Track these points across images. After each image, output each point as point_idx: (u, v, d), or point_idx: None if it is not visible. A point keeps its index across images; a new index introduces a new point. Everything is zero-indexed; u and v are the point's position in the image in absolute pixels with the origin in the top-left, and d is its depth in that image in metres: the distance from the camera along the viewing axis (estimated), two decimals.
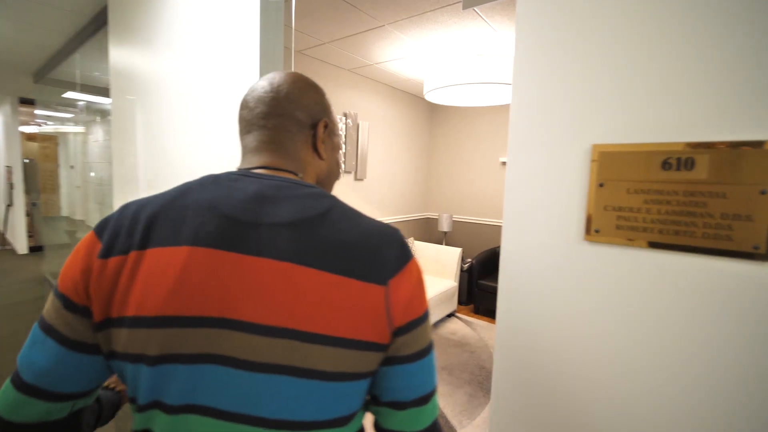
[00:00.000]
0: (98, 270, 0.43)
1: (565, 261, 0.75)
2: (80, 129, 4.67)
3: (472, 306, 4.09)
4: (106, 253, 0.43)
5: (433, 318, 3.55)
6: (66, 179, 5.54)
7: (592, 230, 0.72)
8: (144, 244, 0.43)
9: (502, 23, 2.44)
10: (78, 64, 3.15)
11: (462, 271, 3.90)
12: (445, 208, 4.84)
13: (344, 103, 3.61)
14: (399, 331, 0.45)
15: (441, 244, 4.56)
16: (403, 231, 4.59)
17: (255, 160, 0.53)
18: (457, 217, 4.71)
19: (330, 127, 0.59)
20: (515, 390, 0.83)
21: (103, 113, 3.53)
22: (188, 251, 0.42)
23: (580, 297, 0.74)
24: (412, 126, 4.55)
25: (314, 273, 0.42)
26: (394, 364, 0.46)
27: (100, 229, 0.46)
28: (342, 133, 3.52)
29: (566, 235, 0.75)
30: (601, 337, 0.72)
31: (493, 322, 3.78)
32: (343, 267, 0.43)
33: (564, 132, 0.74)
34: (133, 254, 0.42)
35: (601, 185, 0.70)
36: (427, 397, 0.48)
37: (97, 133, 4.06)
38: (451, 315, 3.88)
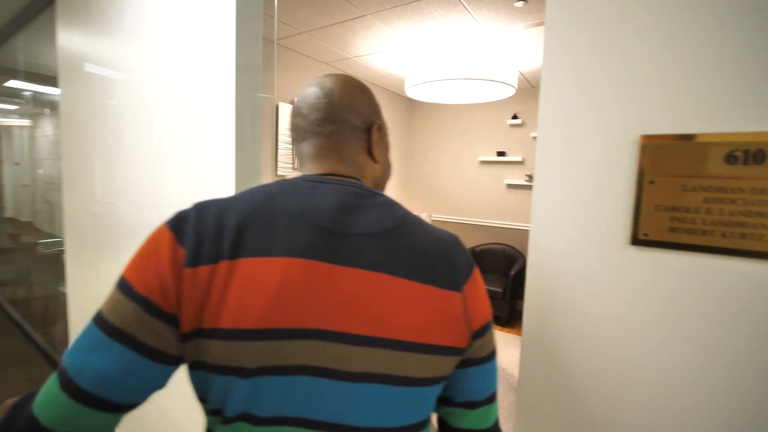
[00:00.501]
0: (189, 279, 0.40)
1: (607, 269, 0.66)
2: (26, 122, 4.23)
3: None
4: (194, 261, 0.41)
5: None
6: (10, 177, 5.03)
7: (639, 234, 0.63)
8: (235, 254, 0.41)
9: (489, 18, 2.37)
10: (21, 49, 2.81)
11: None
12: (423, 208, 4.77)
13: None
14: (476, 335, 0.48)
15: None
16: None
17: (318, 167, 0.53)
18: (436, 217, 4.65)
19: (382, 129, 0.58)
20: (543, 414, 0.73)
21: (53, 105, 3.19)
22: (285, 263, 0.41)
23: (625, 311, 0.65)
24: (390, 123, 4.45)
25: (403, 283, 0.43)
26: (471, 366, 0.49)
27: (178, 230, 0.43)
28: None
29: (608, 240, 0.66)
30: (649, 358, 0.63)
31: None
32: (426, 276, 0.45)
33: (605, 120, 0.65)
34: (224, 264, 0.41)
35: (651, 182, 0.61)
36: (494, 396, 0.52)
37: (46, 127, 3.68)
38: None
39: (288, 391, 0.40)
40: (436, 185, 4.66)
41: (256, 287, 0.40)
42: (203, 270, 0.40)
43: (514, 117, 4.03)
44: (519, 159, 4.03)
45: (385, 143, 0.59)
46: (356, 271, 0.42)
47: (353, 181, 0.51)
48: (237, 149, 1.11)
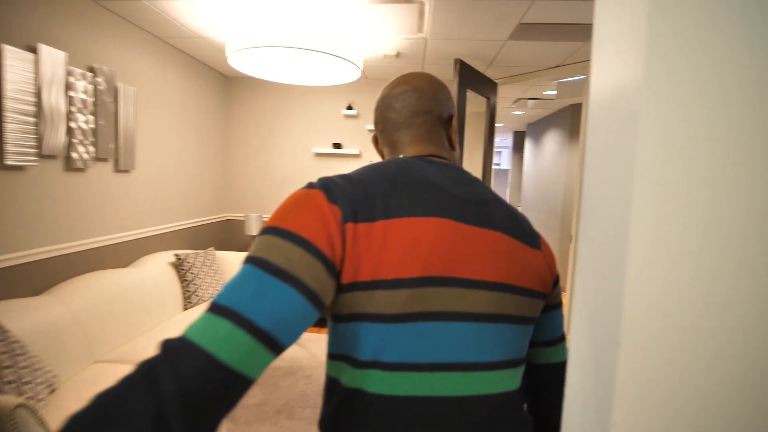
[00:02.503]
0: (351, 233, 0.48)
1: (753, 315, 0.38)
2: None
3: None
4: (354, 219, 0.49)
5: None
6: None
7: None
8: (388, 215, 0.50)
9: None
10: None
11: None
12: (252, 207, 4.04)
13: (89, 52, 2.33)
14: (555, 284, 0.63)
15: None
16: (196, 239, 3.54)
17: (418, 150, 0.64)
18: (267, 217, 4.01)
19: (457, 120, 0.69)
20: None
21: None
22: (436, 222, 0.52)
23: None
24: (202, 102, 3.51)
25: (514, 241, 0.57)
26: (550, 311, 0.65)
27: (329, 194, 0.50)
28: (84, 96, 2.27)
29: (753, 269, 0.37)
30: None
31: (324, 331, 3.36)
32: (523, 237, 0.59)
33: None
34: (380, 223, 0.49)
35: None
36: (564, 336, 0.67)
37: None
38: None
39: (442, 335, 0.50)
40: (266, 181, 4.01)
41: (415, 241, 0.49)
42: (363, 227, 0.48)
43: (349, 107, 3.80)
44: (356, 152, 3.84)
45: (456, 134, 0.69)
46: (485, 230, 0.55)
47: (448, 162, 0.63)
48: None
